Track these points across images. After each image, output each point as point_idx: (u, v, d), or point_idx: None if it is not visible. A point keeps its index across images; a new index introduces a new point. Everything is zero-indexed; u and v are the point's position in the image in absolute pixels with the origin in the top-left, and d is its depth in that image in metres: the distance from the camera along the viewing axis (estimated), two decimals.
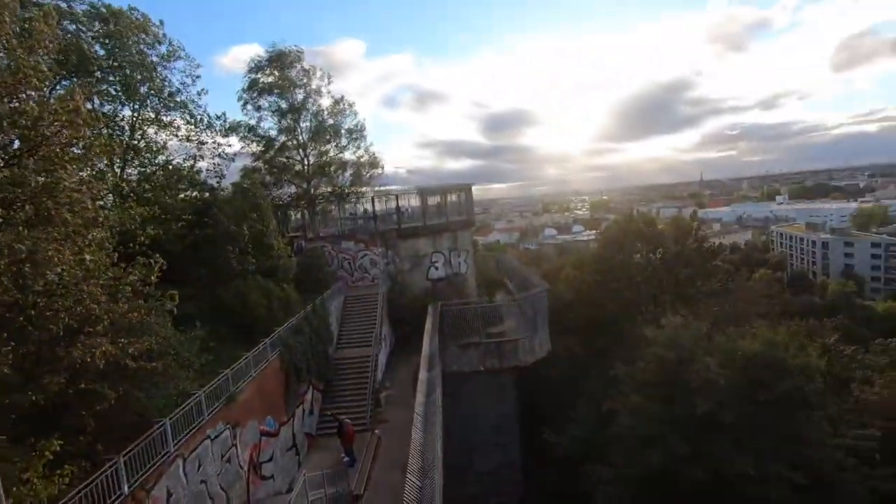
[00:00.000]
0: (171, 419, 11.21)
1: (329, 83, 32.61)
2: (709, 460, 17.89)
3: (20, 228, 8.33)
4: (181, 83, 21.75)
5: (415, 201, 32.84)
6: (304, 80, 31.63)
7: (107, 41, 18.68)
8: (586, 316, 31.81)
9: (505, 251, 64.90)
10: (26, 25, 10.48)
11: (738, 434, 18.06)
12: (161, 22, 20.60)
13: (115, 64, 18.85)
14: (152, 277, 11.11)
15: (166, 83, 21.13)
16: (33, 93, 8.75)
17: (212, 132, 23.40)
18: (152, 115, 20.95)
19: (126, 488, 9.68)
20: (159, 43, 20.53)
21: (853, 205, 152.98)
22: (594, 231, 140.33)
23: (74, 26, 18.13)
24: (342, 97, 32.83)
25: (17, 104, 8.46)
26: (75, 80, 17.21)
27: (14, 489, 7.15)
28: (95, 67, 18.24)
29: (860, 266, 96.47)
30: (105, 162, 18.73)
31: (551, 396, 28.55)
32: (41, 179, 8.19)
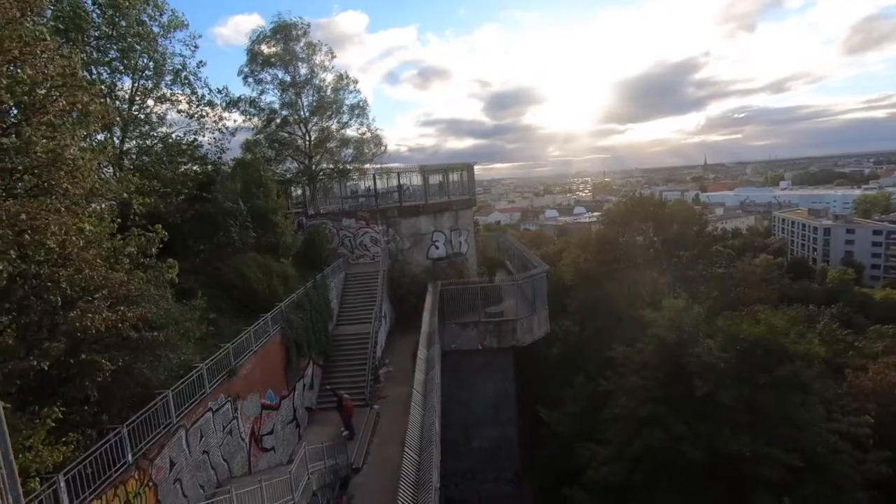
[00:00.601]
0: (173, 391, 11.34)
1: (333, 58, 32.05)
2: (705, 440, 18.19)
3: (21, 198, 8.28)
4: (181, 54, 21.36)
5: (416, 179, 32.66)
6: (309, 54, 31.06)
7: (107, 10, 18.25)
8: (586, 297, 31.93)
9: (506, 231, 64.78)
10: None
11: (734, 416, 18.32)
12: None
13: (115, 33, 18.46)
14: (153, 249, 11.10)
15: (167, 55, 20.74)
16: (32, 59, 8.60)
17: (213, 106, 23.08)
18: (151, 87, 20.62)
19: (130, 457, 9.85)
20: (161, 13, 20.07)
21: (857, 191, 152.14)
22: (596, 213, 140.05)
23: None
24: (345, 73, 32.31)
25: (15, 70, 8.31)
26: (73, 46, 16.88)
27: (20, 456, 7.26)
28: (93, 35, 17.87)
29: (860, 253, 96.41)
30: (105, 133, 18.54)
31: (549, 376, 28.88)
32: (43, 147, 8.08)
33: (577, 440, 22.37)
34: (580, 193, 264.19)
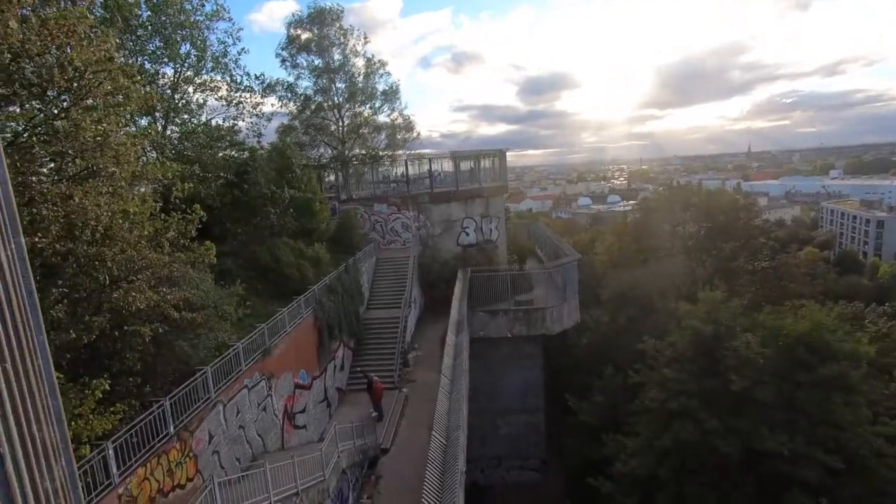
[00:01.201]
0: (211, 367, 11.84)
1: (366, 43, 32.10)
2: (739, 436, 17.71)
3: (71, 181, 8.71)
4: (222, 41, 21.84)
5: (448, 166, 32.56)
6: (342, 40, 31.21)
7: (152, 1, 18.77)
8: (618, 286, 31.34)
9: (537, 219, 64.06)
10: None
11: (772, 413, 17.73)
12: None
13: (158, 22, 19.01)
14: (192, 230, 11.50)
15: (209, 44, 21.26)
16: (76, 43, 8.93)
17: (251, 92, 23.58)
18: (192, 75, 21.20)
19: (172, 428, 10.39)
20: (204, 3, 20.55)
21: None
22: (631, 202, 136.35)
23: None
24: (375, 57, 32.33)
25: (65, 53, 8.67)
26: (117, 36, 17.46)
27: (71, 423, 7.75)
28: (137, 25, 18.45)
29: None
30: (149, 119, 19.21)
31: (579, 365, 28.64)
32: (92, 131, 8.45)
33: (605, 431, 22.17)
34: (615, 181, 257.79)
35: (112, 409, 8.62)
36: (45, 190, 8.08)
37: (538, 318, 23.93)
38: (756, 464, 17.58)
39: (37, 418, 1.61)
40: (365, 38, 31.90)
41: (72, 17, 7.91)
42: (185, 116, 21.55)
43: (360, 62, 31.87)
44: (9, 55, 7.45)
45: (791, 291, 30.35)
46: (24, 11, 8.31)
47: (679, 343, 20.63)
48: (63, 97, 8.83)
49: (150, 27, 18.90)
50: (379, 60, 32.12)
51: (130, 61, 17.49)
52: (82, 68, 8.08)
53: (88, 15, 8.07)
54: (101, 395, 8.27)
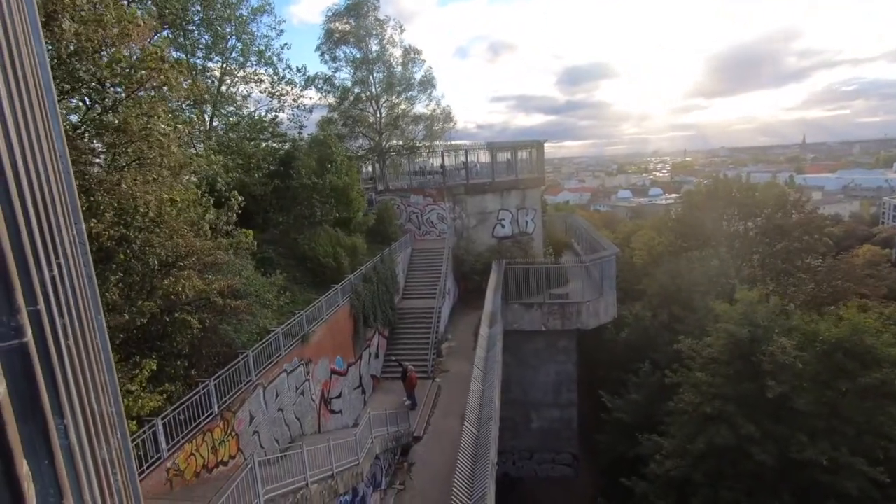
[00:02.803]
0: (253, 351, 12.30)
1: (402, 33, 32.22)
2: (776, 444, 16.97)
3: (122, 171, 9.19)
4: (266, 35, 22.43)
5: (484, 157, 32.37)
6: (379, 30, 31.43)
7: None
8: (659, 282, 30.43)
9: (574, 212, 62.89)
10: None
11: (812, 421, 16.87)
12: None
13: (207, 17, 19.68)
14: (233, 216, 11.93)
15: (254, 37, 21.87)
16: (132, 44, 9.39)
17: (292, 84, 24.15)
18: (237, 68, 21.89)
19: (216, 408, 10.88)
20: None
21: None
22: (674, 195, 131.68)
23: None
24: (410, 45, 32.42)
25: (115, 52, 9.13)
26: (169, 32, 18.21)
27: (124, 399, 8.25)
28: (188, 22, 19.16)
29: None
30: (196, 111, 19.96)
31: (614, 361, 28.08)
32: (139, 125, 8.88)
33: (639, 429, 21.69)
34: (657, 173, 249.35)
35: (160, 389, 9.10)
36: (101, 178, 8.56)
37: (573, 312, 23.59)
38: (793, 472, 16.82)
39: (96, 393, 1.73)
40: (401, 27, 32.05)
41: (125, 19, 8.28)
42: (231, 108, 22.30)
43: (397, 52, 32.07)
44: (66, 53, 7.88)
45: (850, 292, 28.61)
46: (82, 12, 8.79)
47: (714, 345, 19.85)
48: (117, 91, 9.31)
49: (199, 22, 19.59)
50: (414, 48, 32.22)
51: (182, 57, 18.19)
52: (136, 65, 8.47)
53: (141, 21, 8.43)
54: (149, 374, 8.75)
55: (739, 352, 18.69)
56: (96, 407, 1.66)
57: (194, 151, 16.16)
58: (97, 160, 9.41)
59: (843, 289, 29.17)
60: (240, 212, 12.36)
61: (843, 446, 16.24)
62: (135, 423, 8.57)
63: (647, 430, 21.27)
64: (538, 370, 24.69)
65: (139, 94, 9.20)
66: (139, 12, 9.86)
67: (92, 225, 8.22)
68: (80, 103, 10.40)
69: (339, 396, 17.48)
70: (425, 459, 15.90)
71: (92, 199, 8.28)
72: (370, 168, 33.54)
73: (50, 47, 7.59)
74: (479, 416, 13.29)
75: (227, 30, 20.48)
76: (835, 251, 33.40)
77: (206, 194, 12.52)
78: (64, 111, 10.38)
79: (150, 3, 16.76)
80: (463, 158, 31.97)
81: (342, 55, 31.45)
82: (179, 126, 10.42)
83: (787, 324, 19.25)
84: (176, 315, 9.98)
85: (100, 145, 9.67)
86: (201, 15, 19.45)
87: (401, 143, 33.19)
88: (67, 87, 8.39)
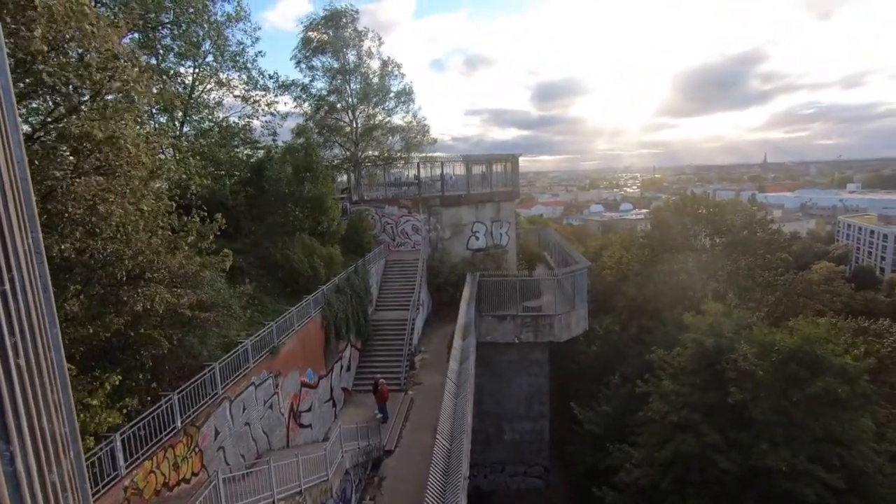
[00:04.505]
0: (220, 364, 11.93)
1: (380, 45, 32.34)
2: (739, 451, 17.48)
3: (89, 176, 8.85)
4: (240, 42, 22.15)
5: (460, 169, 32.59)
6: (357, 41, 31.46)
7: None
8: (629, 296, 31.06)
9: (548, 225, 63.81)
10: None
11: (772, 429, 17.47)
12: None
13: (178, 20, 19.31)
14: (210, 236, 11.63)
15: (228, 43, 21.55)
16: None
17: (266, 91, 23.86)
18: (211, 73, 21.50)
19: (179, 423, 10.48)
20: (227, 1, 20.86)
21: None
22: (643, 210, 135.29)
23: None
24: (390, 58, 32.56)
25: (84, 53, 8.82)
26: (140, 36, 17.76)
27: (80, 415, 7.86)
28: (160, 25, 18.76)
29: None
30: (167, 116, 19.49)
31: (585, 374, 28.43)
32: (103, 132, 8.56)
33: (609, 440, 21.98)
34: (628, 189, 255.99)
35: (120, 403, 8.72)
36: (68, 186, 8.21)
37: (546, 324, 23.79)
38: (756, 479, 17.33)
39: (48, 413, 1.64)
40: (380, 39, 32.17)
41: (77, 10, 7.96)
42: (203, 114, 21.86)
43: (374, 64, 32.14)
44: (22, 55, 7.56)
45: (808, 307, 29.83)
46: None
47: (683, 354, 20.44)
48: (82, 93, 8.98)
49: (170, 26, 19.21)
50: (394, 62, 32.37)
51: (152, 61, 17.76)
52: (100, 66, 8.20)
53: (87, 10, 8.14)
54: (110, 389, 8.38)
55: (706, 361, 19.27)
56: (48, 428, 1.57)
57: (164, 157, 15.73)
58: (61, 165, 9.04)
59: (801, 303, 30.40)
60: (219, 233, 12.02)
61: (802, 454, 16.81)
62: (92, 439, 8.17)
63: (617, 441, 21.56)
64: (511, 382, 24.74)
65: (105, 97, 8.89)
66: (107, 14, 9.57)
67: (54, 236, 7.87)
68: (42, 105, 10.02)
69: (308, 410, 17.11)
70: (396, 474, 15.66)
71: (51, 208, 7.93)
72: (345, 178, 33.32)
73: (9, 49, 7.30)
74: (451, 430, 13.19)
75: (200, 34, 20.12)
76: (794, 267, 34.83)
77: (178, 202, 12.19)
78: (24, 112, 9.98)
79: (116, 8, 16.31)
80: (439, 170, 32.11)
81: (319, 64, 31.34)
82: (150, 135, 10.15)
83: (749, 335, 19.94)
84: (142, 331, 9.60)
85: (64, 149, 9.31)
86: (172, 18, 19.06)
87: (377, 153, 33.13)
88: (27, 88, 8.07)
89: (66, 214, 8.17)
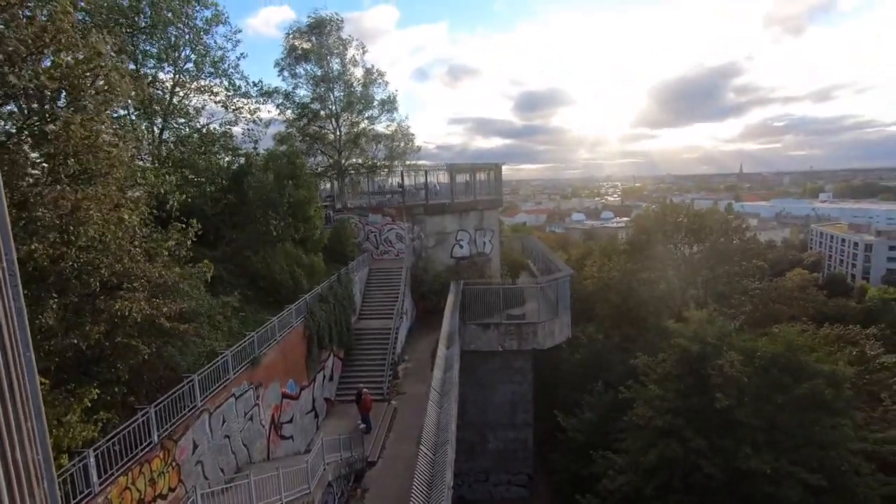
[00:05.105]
0: (199, 375, 11.68)
1: (364, 53, 32.37)
2: (723, 456, 17.75)
3: (66, 184, 8.63)
4: (221, 48, 21.91)
5: (443, 178, 32.67)
6: (341, 49, 31.43)
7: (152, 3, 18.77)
8: (611, 304, 31.40)
9: (531, 233, 64.30)
10: None
11: (756, 433, 17.81)
12: None
13: (155, 24, 19.01)
14: (188, 242, 11.42)
15: (209, 48, 21.30)
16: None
17: (248, 98, 23.62)
18: (190, 78, 21.20)
19: (156, 437, 10.20)
20: (205, 7, 20.61)
21: None
22: (624, 218, 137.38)
23: None
24: (373, 66, 32.57)
25: (54, 58, 8.62)
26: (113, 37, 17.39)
27: (53, 432, 7.60)
28: (138, 30, 18.45)
29: None
30: (146, 122, 19.13)
31: (568, 381, 28.55)
32: (81, 131, 8.36)
33: (593, 448, 22.08)
34: (609, 198, 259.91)
35: (95, 417, 8.46)
36: (39, 193, 8.00)
37: (529, 332, 23.89)
38: (740, 483, 17.62)
39: (21, 442, 1.59)
40: (363, 48, 32.20)
41: (58, 15, 7.84)
42: (182, 120, 21.52)
43: (358, 72, 32.13)
44: None
45: (783, 313, 30.57)
46: (26, 12, 8.31)
47: (667, 361, 20.73)
48: (57, 98, 8.78)
49: (147, 29, 18.91)
50: (378, 70, 32.39)
51: (130, 65, 17.45)
52: (73, 67, 8.03)
53: (71, 9, 8.00)
54: (89, 404, 8.12)
55: (690, 367, 19.57)
56: (20, 457, 1.52)
57: (142, 164, 15.42)
58: (34, 171, 8.79)
59: (777, 310, 31.13)
60: (195, 239, 11.80)
61: (784, 457, 17.17)
62: (65, 456, 7.90)
63: (601, 449, 21.67)
64: (495, 391, 24.72)
65: (85, 97, 8.68)
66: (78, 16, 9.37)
67: (32, 247, 7.62)
68: (16, 110, 9.75)
69: (290, 421, 16.83)
70: (380, 485, 15.48)
71: (26, 215, 7.70)
72: (328, 186, 33.12)
73: None
74: (435, 440, 13.10)
75: (178, 36, 19.85)
76: (770, 274, 35.70)
77: (156, 213, 11.97)
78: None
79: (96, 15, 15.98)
80: (423, 178, 32.15)
81: (302, 72, 31.21)
82: (127, 137, 9.95)
83: (730, 341, 20.35)
84: (119, 340, 9.33)
85: (36, 155, 9.07)
86: (149, 21, 18.75)
87: (360, 161, 33.03)
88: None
89: (39, 222, 7.94)
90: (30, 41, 7.68)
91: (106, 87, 9.07)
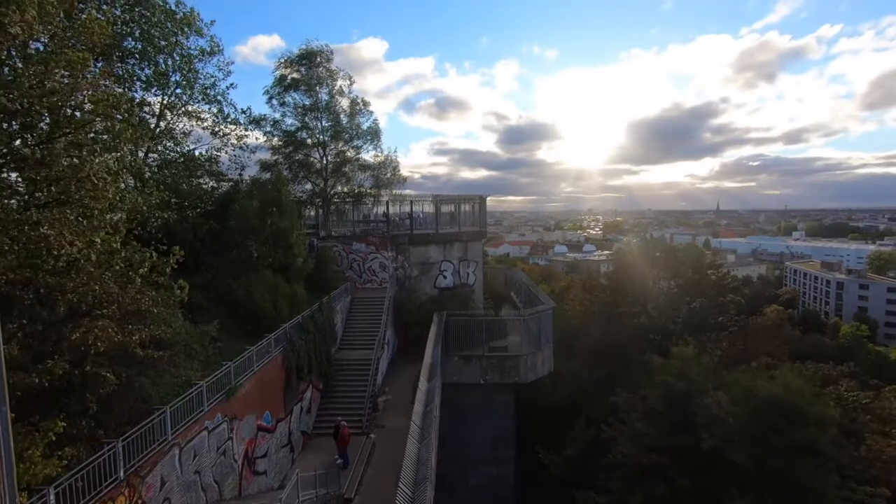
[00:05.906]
0: (171, 407, 11.26)
1: (351, 84, 32.93)
2: (709, 497, 17.53)
3: (38, 210, 8.43)
4: (212, 76, 22.09)
5: (429, 208, 32.89)
6: (329, 80, 31.93)
7: (142, 27, 18.94)
8: (593, 339, 31.46)
9: (515, 264, 64.70)
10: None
11: (743, 474, 17.66)
12: (212, 22, 21.11)
13: (147, 49, 19.14)
14: (167, 269, 11.16)
15: (200, 76, 21.46)
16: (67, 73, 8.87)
17: (236, 124, 23.71)
18: (180, 104, 21.25)
19: (122, 473, 9.73)
20: (201, 37, 20.88)
21: (871, 247, 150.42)
22: (606, 252, 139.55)
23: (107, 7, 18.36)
24: (359, 97, 33.11)
25: (50, 85, 8.59)
26: (103, 62, 17.46)
27: (17, 467, 7.19)
28: (127, 53, 18.56)
29: (875, 310, 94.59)
30: (130, 147, 18.98)
31: (551, 416, 28.21)
32: (66, 162, 8.25)
33: (575, 485, 21.67)
34: (591, 231, 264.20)
35: (59, 452, 8.04)
36: (11, 217, 7.79)
37: (512, 365, 23.70)
38: None
39: None
40: (350, 79, 32.78)
41: (73, 56, 7.91)
42: (169, 144, 21.45)
43: (345, 102, 32.58)
44: None
45: (759, 350, 30.95)
46: (38, 45, 8.36)
47: (651, 397, 20.63)
48: (43, 125, 8.69)
49: (137, 54, 19.03)
50: (362, 100, 32.90)
51: (119, 89, 17.44)
52: (68, 100, 8.02)
53: (90, 59, 8.08)
54: (53, 438, 7.73)
55: (675, 404, 19.46)
56: None
57: (124, 186, 15.22)
58: (13, 200, 8.60)
59: (753, 346, 31.51)
60: (176, 265, 11.55)
61: (769, 499, 17.00)
62: (24, 494, 7.46)
63: (583, 486, 21.27)
64: (476, 425, 24.27)
65: (75, 135, 8.58)
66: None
67: None
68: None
69: (264, 456, 16.24)
70: None
71: None
72: (313, 213, 33.04)
73: None
74: (414, 477, 12.74)
75: (169, 63, 19.99)
76: (747, 310, 36.32)
77: (136, 233, 11.74)
78: None
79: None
80: (408, 208, 32.31)
81: (291, 101, 31.53)
82: (116, 162, 9.82)
83: (721, 379, 20.30)
84: (87, 369, 8.96)
85: (15, 176, 8.89)
86: (140, 46, 18.88)
87: (346, 189, 33.11)
88: None
89: (8, 245, 7.69)
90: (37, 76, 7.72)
91: (107, 129, 9.06)
